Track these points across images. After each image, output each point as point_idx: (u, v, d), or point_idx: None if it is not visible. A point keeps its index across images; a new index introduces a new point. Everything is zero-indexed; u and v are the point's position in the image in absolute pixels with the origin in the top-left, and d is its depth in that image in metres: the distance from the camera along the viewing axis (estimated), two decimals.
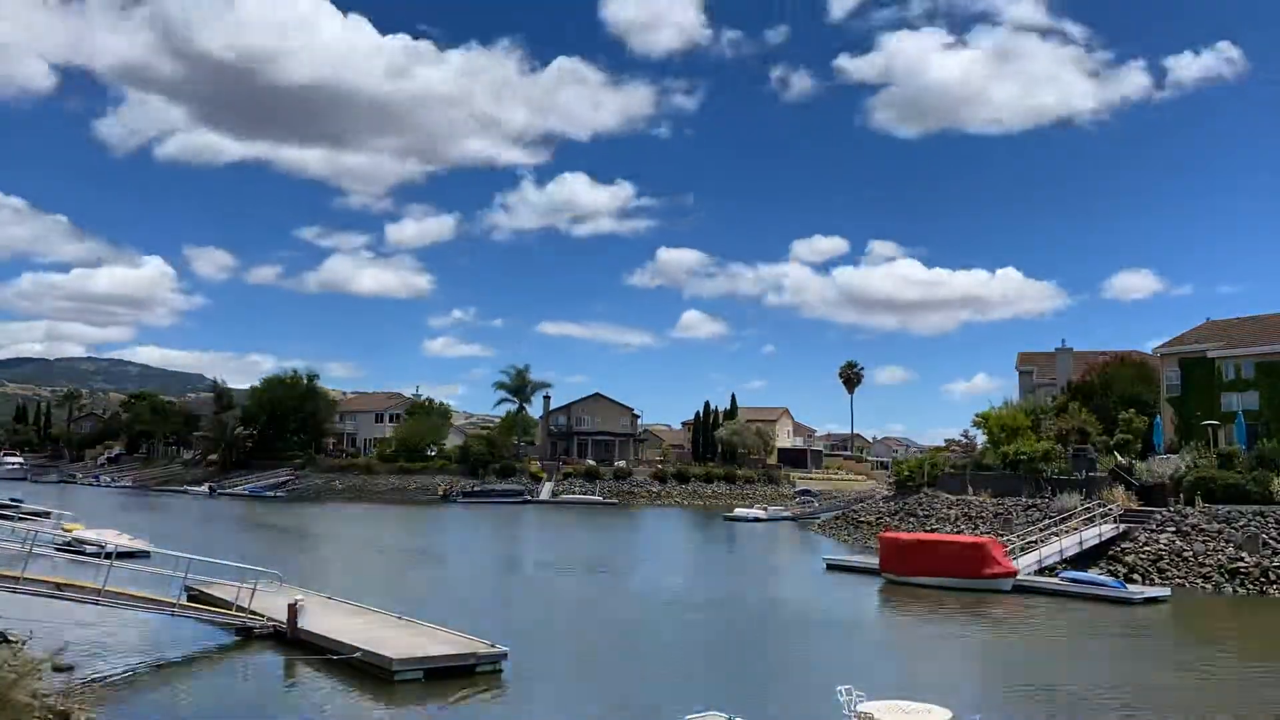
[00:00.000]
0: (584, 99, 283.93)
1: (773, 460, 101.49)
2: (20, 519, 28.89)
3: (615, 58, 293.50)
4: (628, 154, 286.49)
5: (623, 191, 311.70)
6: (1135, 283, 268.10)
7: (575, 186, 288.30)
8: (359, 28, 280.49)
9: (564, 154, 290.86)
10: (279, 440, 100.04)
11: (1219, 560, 32.29)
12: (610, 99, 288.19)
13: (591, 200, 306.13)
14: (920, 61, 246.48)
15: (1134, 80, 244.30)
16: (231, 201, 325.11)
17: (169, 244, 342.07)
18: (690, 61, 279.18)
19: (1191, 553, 33.08)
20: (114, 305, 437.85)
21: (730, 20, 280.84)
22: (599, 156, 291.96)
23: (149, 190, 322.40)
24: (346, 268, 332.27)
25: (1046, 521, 37.37)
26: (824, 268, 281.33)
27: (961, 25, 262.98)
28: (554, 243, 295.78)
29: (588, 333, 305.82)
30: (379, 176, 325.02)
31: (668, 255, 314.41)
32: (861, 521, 53.68)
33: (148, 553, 28.77)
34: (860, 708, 12.18)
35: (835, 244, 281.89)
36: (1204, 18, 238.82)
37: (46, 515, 38.88)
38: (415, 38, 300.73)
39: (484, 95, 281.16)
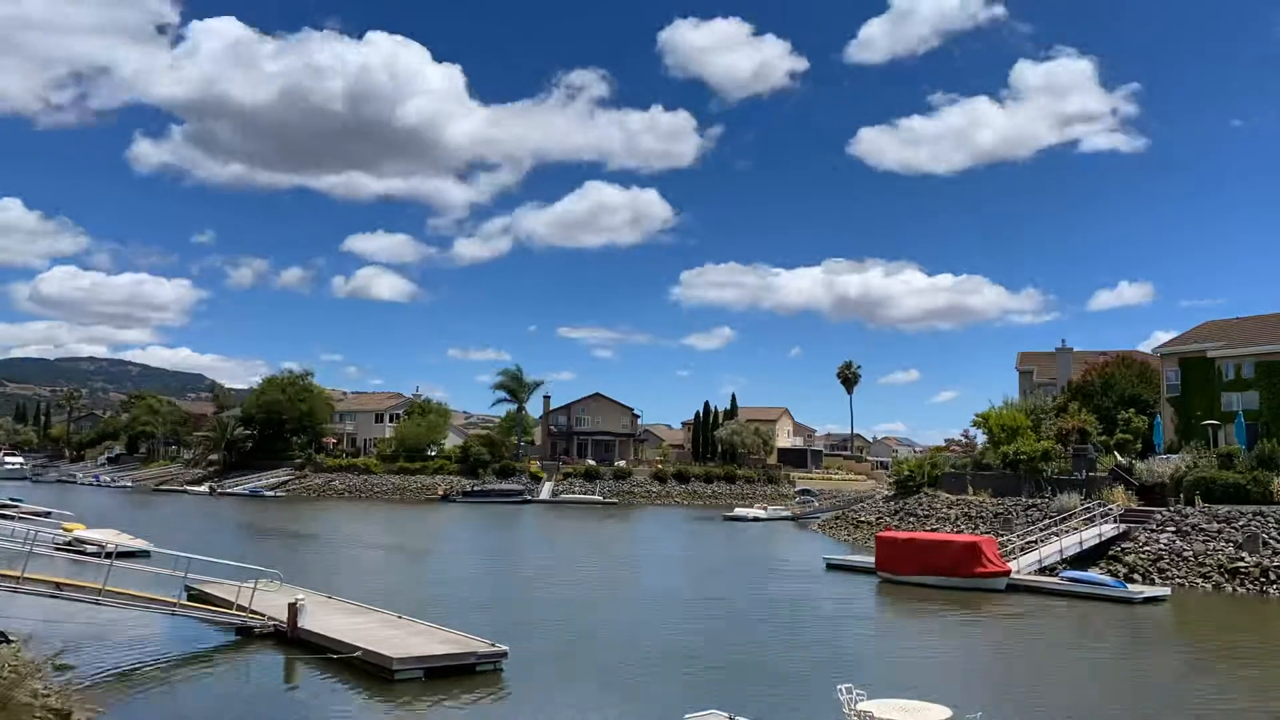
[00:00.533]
0: (648, 132, 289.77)
1: (773, 460, 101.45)
2: (20, 519, 28.93)
3: (695, 101, 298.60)
4: (673, 180, 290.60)
5: (657, 209, 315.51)
6: (1130, 294, 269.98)
7: (610, 203, 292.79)
8: (455, 79, 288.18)
9: (612, 177, 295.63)
10: (279, 440, 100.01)
11: (1219, 560, 32.30)
12: (677, 133, 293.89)
13: (623, 218, 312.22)
14: (966, 119, 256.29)
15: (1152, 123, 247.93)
16: (286, 219, 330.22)
17: (202, 255, 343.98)
18: (756, 104, 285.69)
19: (1191, 552, 33.08)
20: (136, 309, 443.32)
21: (817, 78, 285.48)
22: (644, 180, 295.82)
23: (199, 210, 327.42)
24: (377, 278, 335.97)
25: (1046, 521, 37.39)
26: (831, 274, 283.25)
27: (997, 77, 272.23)
28: (584, 256, 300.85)
29: (600, 337, 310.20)
30: (450, 200, 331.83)
31: (689, 270, 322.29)
32: (861, 521, 53.68)
33: (148, 552, 28.82)
34: (860, 706, 12.20)
35: (847, 258, 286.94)
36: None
37: (46, 515, 38.96)
38: (503, 100, 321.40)
39: (546, 134, 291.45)
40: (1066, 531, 35.42)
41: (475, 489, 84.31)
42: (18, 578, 18.12)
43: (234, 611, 20.64)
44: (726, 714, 13.45)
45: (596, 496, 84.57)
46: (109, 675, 17.12)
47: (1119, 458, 42.92)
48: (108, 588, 18.90)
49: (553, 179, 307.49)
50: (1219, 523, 33.83)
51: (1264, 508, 33.48)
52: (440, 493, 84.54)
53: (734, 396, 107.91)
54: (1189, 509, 35.21)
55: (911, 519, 47.57)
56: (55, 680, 14.17)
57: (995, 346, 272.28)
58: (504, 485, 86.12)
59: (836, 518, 60.69)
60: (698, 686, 17.56)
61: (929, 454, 75.36)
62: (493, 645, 18.35)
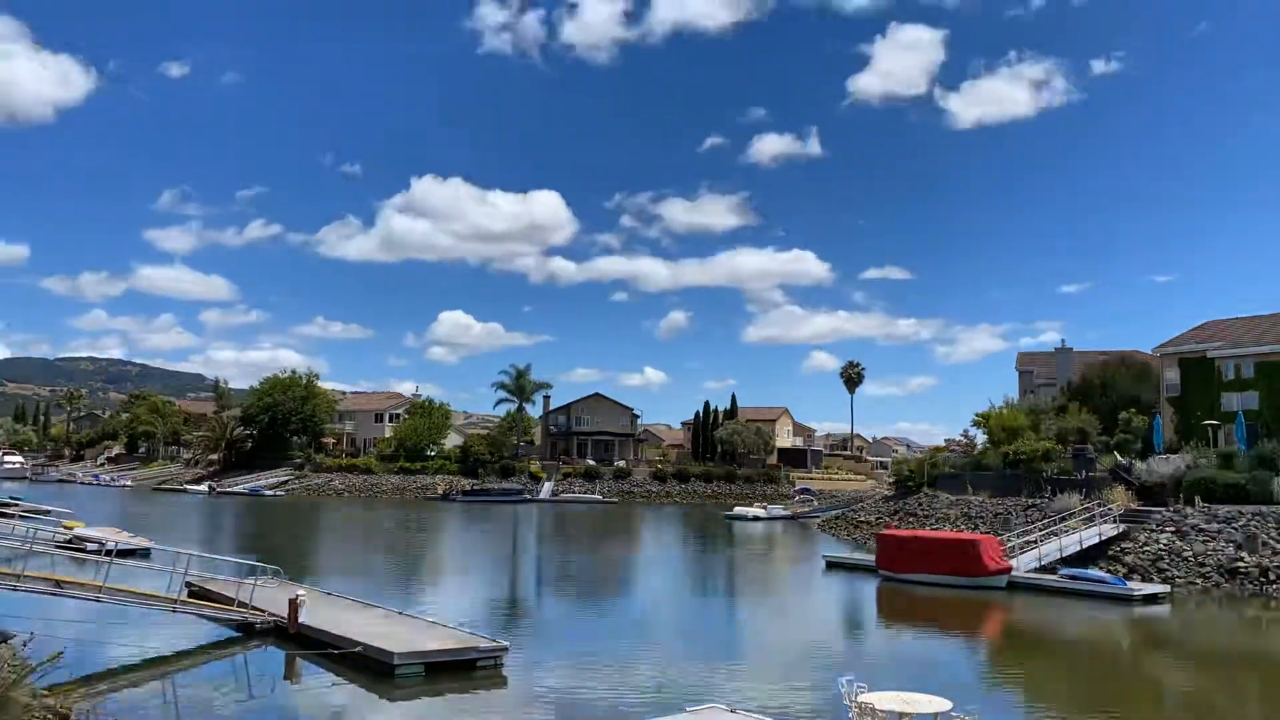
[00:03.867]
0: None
1: (773, 460, 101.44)
2: (20, 517, 28.92)
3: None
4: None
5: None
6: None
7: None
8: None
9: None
10: (279, 440, 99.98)
11: (1219, 560, 32.27)
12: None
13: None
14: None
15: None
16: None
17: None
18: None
19: (1191, 553, 33.06)
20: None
21: None
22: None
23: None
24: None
25: (1046, 521, 37.36)
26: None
27: None
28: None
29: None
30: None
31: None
32: (861, 521, 53.71)
33: (148, 550, 28.80)
34: (861, 698, 12.21)
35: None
36: None
37: (46, 513, 38.92)
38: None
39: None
40: (1066, 531, 35.39)
41: (475, 489, 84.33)
42: (18, 575, 18.13)
43: (235, 608, 20.64)
44: (727, 706, 13.47)
45: (596, 496, 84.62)
46: (109, 672, 17.12)
47: (1119, 458, 42.91)
48: (108, 585, 18.91)
49: None
50: (1219, 523, 33.81)
51: (1264, 508, 33.47)
52: (440, 492, 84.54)
53: (734, 396, 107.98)
54: (1189, 509, 35.19)
55: (911, 519, 47.58)
56: (54, 678, 14.16)
57: (995, 348, 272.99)
58: (504, 485, 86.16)
59: (836, 517, 60.72)
60: (698, 680, 17.58)
61: (929, 454, 75.37)
62: (493, 641, 18.35)
